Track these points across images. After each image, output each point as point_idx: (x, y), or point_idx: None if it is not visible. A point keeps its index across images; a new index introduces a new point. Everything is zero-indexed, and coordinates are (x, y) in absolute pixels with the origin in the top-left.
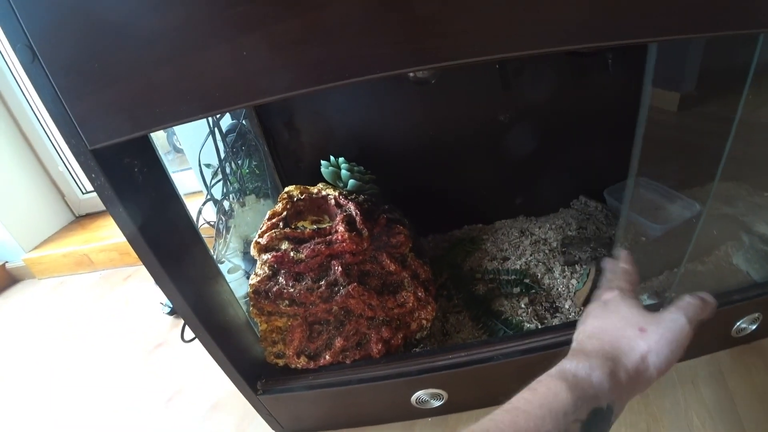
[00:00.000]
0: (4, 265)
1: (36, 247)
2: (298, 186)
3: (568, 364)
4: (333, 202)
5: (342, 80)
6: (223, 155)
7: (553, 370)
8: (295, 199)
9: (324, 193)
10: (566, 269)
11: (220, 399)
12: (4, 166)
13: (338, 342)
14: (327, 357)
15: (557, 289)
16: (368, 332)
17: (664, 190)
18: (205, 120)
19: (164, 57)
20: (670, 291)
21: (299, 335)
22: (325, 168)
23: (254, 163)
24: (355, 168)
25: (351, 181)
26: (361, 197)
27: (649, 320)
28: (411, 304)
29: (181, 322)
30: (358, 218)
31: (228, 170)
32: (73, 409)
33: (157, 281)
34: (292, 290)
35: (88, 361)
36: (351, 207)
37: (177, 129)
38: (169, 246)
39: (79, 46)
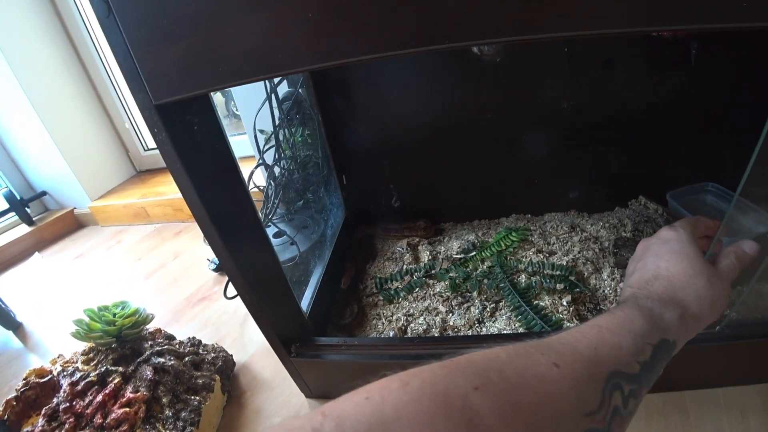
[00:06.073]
0: (72, 210)
1: (101, 197)
2: None
3: (642, 300)
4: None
5: (408, 49)
6: (277, 122)
7: (630, 301)
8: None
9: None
10: (616, 271)
11: (254, 354)
12: (79, 122)
13: None
14: None
15: (604, 291)
16: None
17: (738, 199)
18: (262, 86)
19: (230, 15)
20: (731, 310)
21: None
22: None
23: (307, 131)
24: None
25: None
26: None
27: (712, 271)
28: None
29: (225, 278)
30: None
31: (281, 137)
32: None
33: (207, 237)
34: None
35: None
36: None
37: (235, 94)
38: (221, 204)
39: (151, 1)
